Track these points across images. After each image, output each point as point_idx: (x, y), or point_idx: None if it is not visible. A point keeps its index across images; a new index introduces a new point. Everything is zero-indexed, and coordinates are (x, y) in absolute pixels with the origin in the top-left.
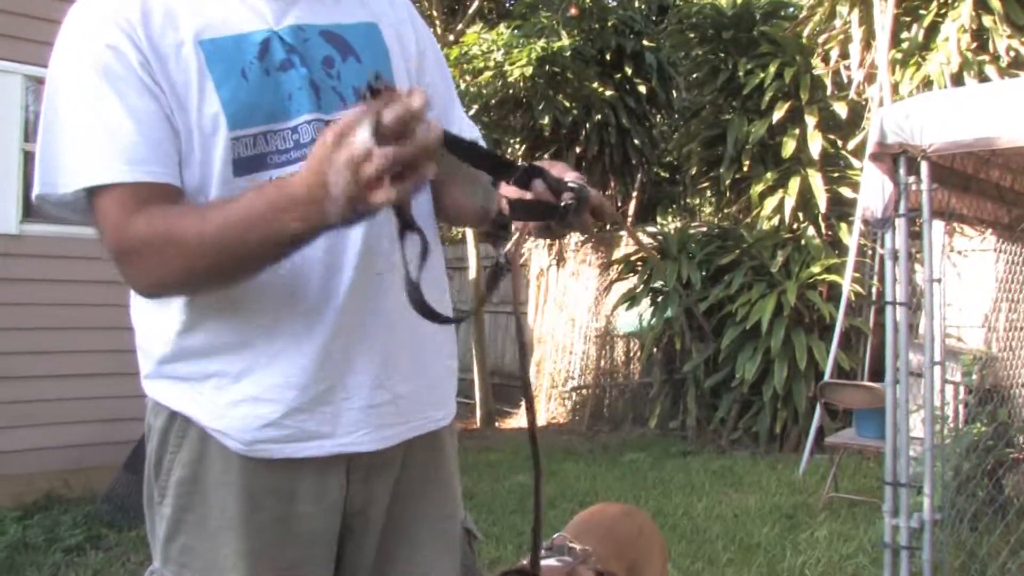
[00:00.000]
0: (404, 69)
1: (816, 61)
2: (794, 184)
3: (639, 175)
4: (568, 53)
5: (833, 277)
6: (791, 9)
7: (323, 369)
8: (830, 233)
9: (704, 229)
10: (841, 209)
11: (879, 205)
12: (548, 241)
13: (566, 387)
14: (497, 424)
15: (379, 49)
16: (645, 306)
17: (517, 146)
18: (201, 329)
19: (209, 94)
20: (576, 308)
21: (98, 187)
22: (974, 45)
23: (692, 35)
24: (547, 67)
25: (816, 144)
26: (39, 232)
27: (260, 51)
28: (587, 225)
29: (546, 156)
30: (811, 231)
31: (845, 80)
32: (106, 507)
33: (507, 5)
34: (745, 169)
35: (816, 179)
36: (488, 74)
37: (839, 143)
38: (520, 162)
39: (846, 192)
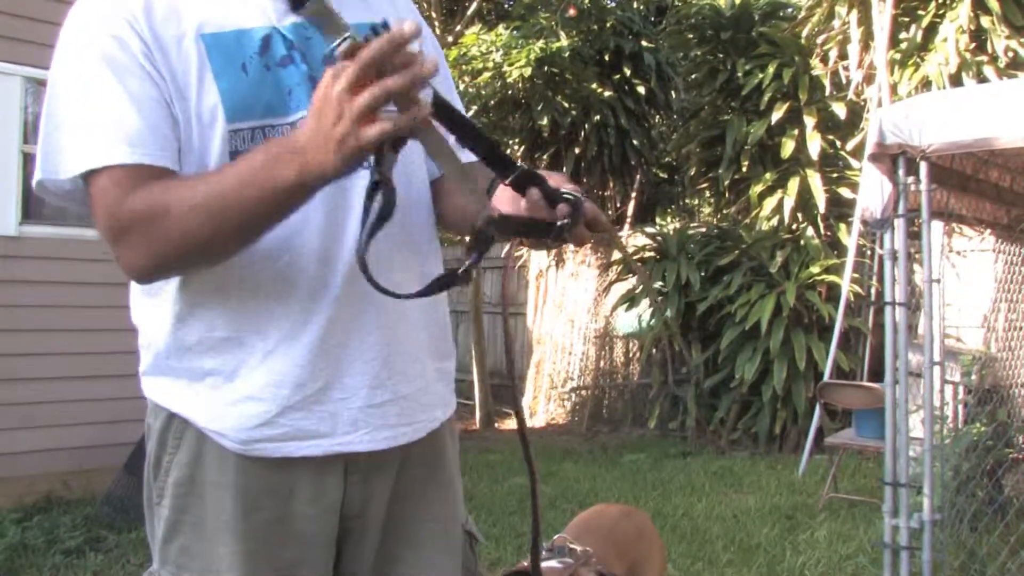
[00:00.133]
0: None
1: (815, 62)
2: (793, 184)
3: (638, 176)
4: (567, 54)
5: (832, 277)
6: (790, 10)
7: (318, 367)
8: (829, 233)
9: (703, 230)
10: (840, 209)
11: (878, 206)
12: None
13: (565, 388)
14: (496, 425)
15: None
16: (644, 307)
17: (516, 147)
18: (195, 320)
19: (208, 85)
20: (575, 309)
21: (97, 169)
22: (972, 46)
23: (691, 36)
24: (546, 68)
25: (815, 144)
26: (38, 234)
27: (261, 46)
28: (583, 239)
29: (545, 157)
30: (810, 231)
31: (844, 81)
32: (106, 509)
33: (506, 6)
34: (744, 170)
35: (815, 179)
36: (487, 75)
37: (838, 143)
38: (519, 163)
39: (845, 192)
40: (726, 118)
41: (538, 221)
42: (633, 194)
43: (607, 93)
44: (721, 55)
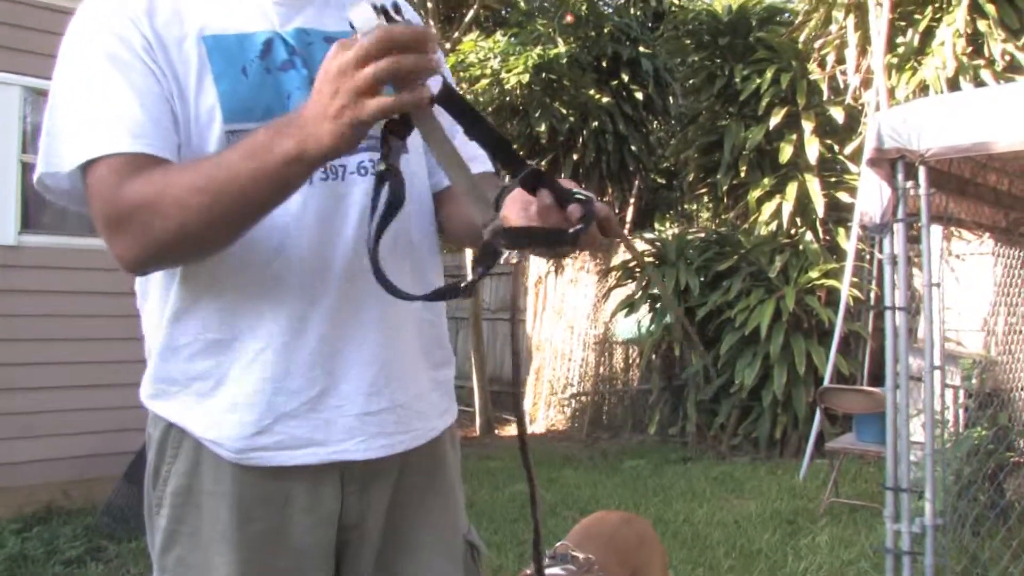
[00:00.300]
0: None
1: (812, 66)
2: (791, 189)
3: (636, 181)
4: (564, 60)
5: (831, 282)
6: (787, 15)
7: (314, 374)
8: (828, 238)
9: (702, 235)
10: (839, 214)
11: (877, 210)
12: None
13: (565, 394)
14: (496, 432)
15: None
16: (644, 312)
17: None
18: (187, 319)
19: (207, 86)
20: (575, 315)
21: (96, 159)
22: (969, 50)
23: (688, 41)
24: (543, 74)
25: (813, 149)
26: (37, 243)
27: (262, 50)
28: (595, 241)
29: (543, 164)
30: (809, 236)
31: (841, 85)
32: (106, 519)
33: (503, 13)
34: (742, 175)
35: (813, 184)
36: (485, 82)
37: (836, 148)
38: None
39: (843, 197)
40: (724, 123)
41: (549, 230)
42: (632, 200)
43: (605, 99)
44: (719, 60)
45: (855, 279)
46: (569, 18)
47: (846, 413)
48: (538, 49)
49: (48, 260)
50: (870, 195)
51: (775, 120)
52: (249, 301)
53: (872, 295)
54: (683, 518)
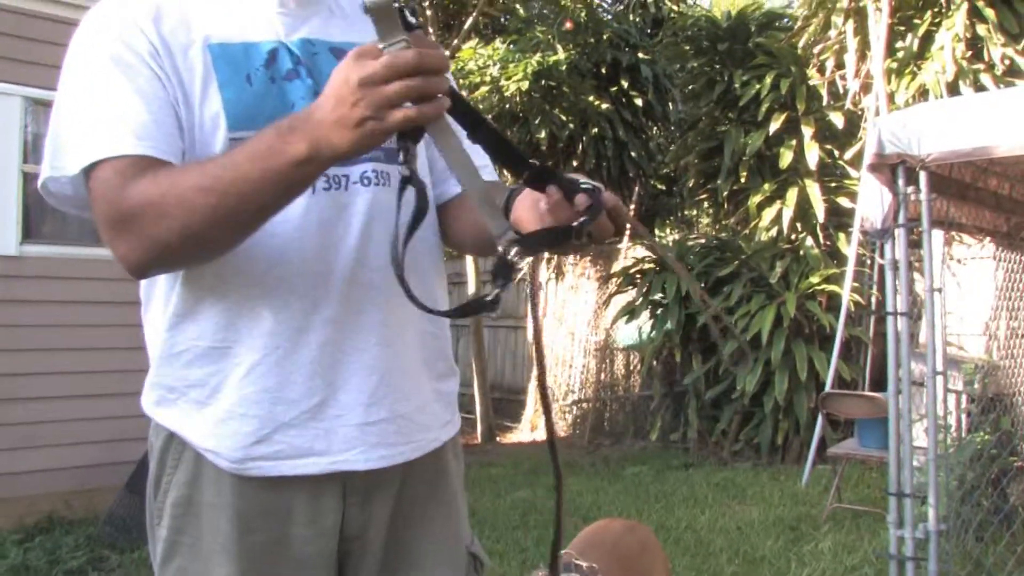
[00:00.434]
0: None
1: (812, 72)
2: (792, 195)
3: (636, 188)
4: (564, 67)
5: (832, 287)
6: (786, 20)
7: (314, 384)
8: (828, 243)
9: (702, 241)
10: (839, 219)
11: (878, 216)
12: (547, 255)
13: (566, 401)
14: (498, 439)
15: None
16: (644, 319)
17: None
18: (187, 324)
19: (212, 93)
20: (575, 321)
21: (100, 161)
22: (969, 54)
23: (687, 47)
24: (543, 81)
25: (813, 154)
26: (39, 253)
27: (267, 59)
28: (607, 230)
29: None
30: (809, 241)
31: (841, 90)
32: (108, 528)
33: (503, 20)
34: (742, 180)
35: (814, 189)
36: (484, 89)
37: (836, 153)
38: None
39: (844, 202)
40: (724, 129)
41: (558, 229)
42: (632, 206)
43: (604, 106)
44: (718, 66)
45: (856, 284)
46: (568, 25)
47: (848, 418)
48: (537, 56)
49: (49, 270)
50: (871, 200)
51: (775, 125)
52: (249, 309)
53: (873, 300)
54: (685, 525)
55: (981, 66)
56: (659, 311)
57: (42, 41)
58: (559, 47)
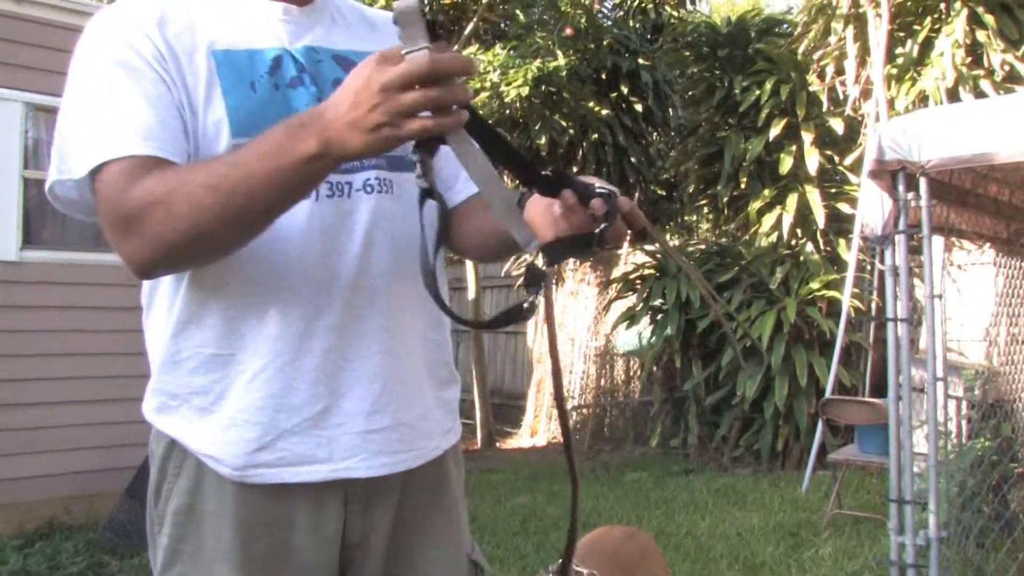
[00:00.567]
0: None
1: (812, 78)
2: (792, 200)
3: (636, 193)
4: (564, 73)
5: (832, 293)
6: (786, 26)
7: (316, 391)
8: (828, 249)
9: (702, 246)
10: (839, 225)
11: (878, 222)
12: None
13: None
14: (498, 444)
15: None
16: (645, 324)
17: None
18: (191, 331)
19: (216, 100)
20: (575, 327)
21: (106, 162)
22: (968, 60)
23: (688, 53)
24: (543, 87)
25: (813, 160)
26: (39, 259)
27: (271, 67)
28: (623, 234)
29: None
30: (809, 247)
31: (841, 96)
32: (108, 534)
33: (503, 26)
34: (743, 186)
35: (814, 195)
36: (484, 95)
37: (836, 159)
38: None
39: (844, 208)
40: (724, 135)
41: (579, 237)
42: None
43: (605, 111)
44: (718, 72)
45: (856, 290)
46: (568, 31)
47: (848, 424)
48: (537, 62)
49: (50, 275)
50: (871, 207)
51: (775, 131)
52: (252, 317)
53: (873, 306)
54: (686, 531)
55: (981, 72)
56: (659, 317)
57: (43, 47)
58: (559, 53)
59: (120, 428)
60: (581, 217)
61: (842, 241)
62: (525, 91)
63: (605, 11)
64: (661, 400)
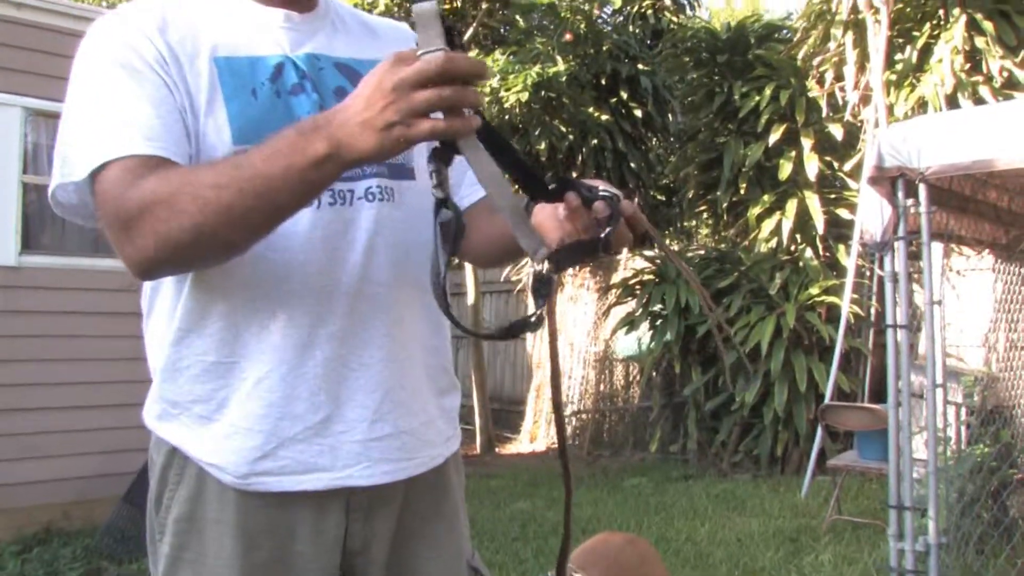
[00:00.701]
0: None
1: (811, 83)
2: (791, 206)
3: (636, 199)
4: (564, 78)
5: (832, 299)
6: (785, 32)
7: (318, 399)
8: (828, 254)
9: (702, 252)
10: (838, 230)
11: (878, 228)
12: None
13: (566, 412)
14: (497, 450)
15: None
16: (644, 330)
17: None
18: (192, 339)
19: (218, 106)
20: (575, 332)
21: (108, 163)
22: (967, 66)
23: (687, 59)
24: (543, 92)
25: (812, 166)
26: (38, 264)
27: (273, 74)
28: (626, 239)
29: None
30: (809, 253)
31: (840, 102)
32: (106, 540)
33: (502, 31)
34: (742, 192)
35: (813, 201)
36: (483, 100)
37: (835, 165)
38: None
39: (843, 213)
40: (723, 140)
41: (584, 243)
42: None
43: (604, 117)
44: (718, 78)
45: (855, 296)
46: (568, 36)
47: (847, 430)
48: (537, 67)
49: (49, 280)
50: (871, 213)
51: (774, 137)
52: (254, 324)
53: (873, 312)
54: (685, 536)
55: (980, 78)
56: (658, 322)
57: (43, 52)
58: (559, 58)
59: (119, 434)
60: (585, 220)
61: (841, 247)
62: (524, 96)
63: (605, 17)
64: (660, 405)
